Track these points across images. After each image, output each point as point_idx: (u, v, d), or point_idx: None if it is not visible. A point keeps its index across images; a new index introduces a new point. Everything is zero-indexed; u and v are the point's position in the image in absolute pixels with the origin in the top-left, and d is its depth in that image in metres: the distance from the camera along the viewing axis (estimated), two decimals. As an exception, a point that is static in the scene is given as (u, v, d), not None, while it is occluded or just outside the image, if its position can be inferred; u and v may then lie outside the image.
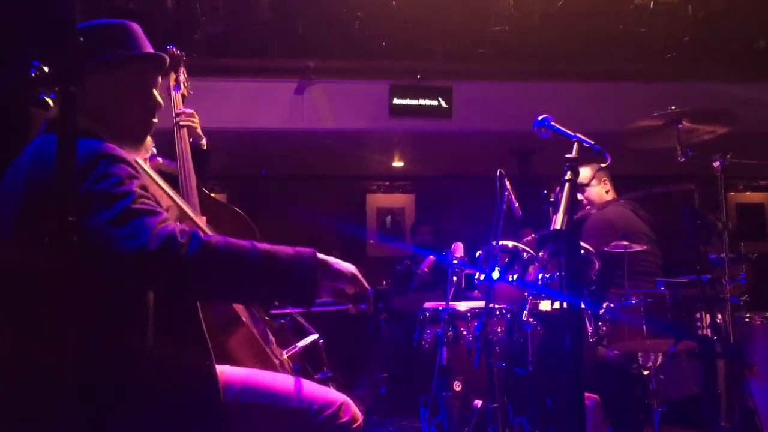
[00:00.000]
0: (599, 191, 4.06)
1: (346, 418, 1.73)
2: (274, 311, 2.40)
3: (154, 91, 1.77)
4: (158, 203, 1.56)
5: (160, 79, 1.82)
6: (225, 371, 1.72)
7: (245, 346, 1.96)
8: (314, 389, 1.78)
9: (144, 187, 1.51)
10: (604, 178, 4.04)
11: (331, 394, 1.79)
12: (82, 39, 1.62)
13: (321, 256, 1.58)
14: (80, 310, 1.25)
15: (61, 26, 1.15)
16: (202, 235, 1.44)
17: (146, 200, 1.47)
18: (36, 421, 1.41)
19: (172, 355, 1.56)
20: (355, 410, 1.78)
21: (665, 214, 4.27)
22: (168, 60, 1.81)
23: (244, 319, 1.99)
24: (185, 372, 1.57)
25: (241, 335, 1.95)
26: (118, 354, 1.49)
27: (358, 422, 1.77)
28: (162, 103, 1.80)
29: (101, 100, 1.66)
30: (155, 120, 1.79)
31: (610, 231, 3.61)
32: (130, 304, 1.51)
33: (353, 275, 1.63)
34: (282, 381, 1.78)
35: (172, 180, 2.23)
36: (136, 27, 1.76)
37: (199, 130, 2.45)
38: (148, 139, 1.79)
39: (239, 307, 2.01)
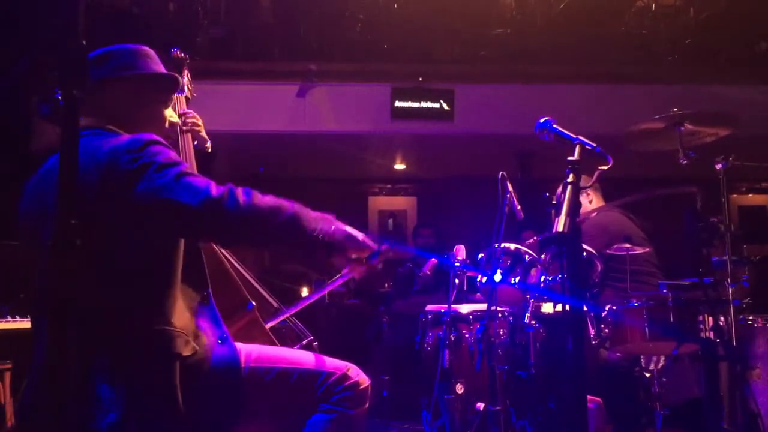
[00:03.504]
0: (582, 201, 4.00)
1: (352, 380, 1.92)
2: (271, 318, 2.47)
3: (165, 112, 1.93)
4: None
5: (173, 98, 2.02)
6: (240, 345, 1.87)
7: (254, 329, 2.12)
8: (321, 358, 1.96)
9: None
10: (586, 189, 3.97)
11: (338, 361, 1.96)
12: (103, 58, 1.80)
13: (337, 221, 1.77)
14: (118, 287, 1.60)
15: (64, 30, 1.16)
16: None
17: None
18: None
19: (193, 330, 1.72)
20: (362, 374, 1.96)
21: (667, 217, 4.26)
22: (180, 82, 1.95)
23: (253, 304, 2.15)
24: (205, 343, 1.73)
25: (250, 320, 2.12)
26: (146, 326, 1.64)
27: (365, 385, 1.95)
28: (172, 122, 1.98)
29: (119, 111, 1.81)
30: (166, 136, 1.90)
31: (603, 235, 3.59)
32: (157, 284, 1.69)
33: (363, 238, 1.78)
34: (290, 352, 2.00)
35: None
36: (152, 52, 1.92)
37: (203, 133, 2.47)
38: None
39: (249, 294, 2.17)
